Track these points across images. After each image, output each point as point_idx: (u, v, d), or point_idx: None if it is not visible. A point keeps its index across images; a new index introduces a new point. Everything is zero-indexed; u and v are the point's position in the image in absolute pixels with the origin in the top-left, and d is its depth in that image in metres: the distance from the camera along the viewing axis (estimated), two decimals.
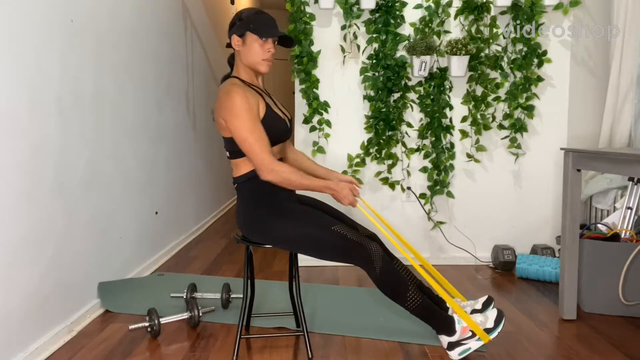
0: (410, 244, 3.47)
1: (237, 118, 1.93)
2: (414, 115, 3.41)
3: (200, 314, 2.41)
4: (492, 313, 2.09)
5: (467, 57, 3.23)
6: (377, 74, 3.32)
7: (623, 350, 2.20)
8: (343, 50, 3.36)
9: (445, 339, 2.07)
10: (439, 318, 2.07)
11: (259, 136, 1.95)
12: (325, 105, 3.36)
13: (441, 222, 3.46)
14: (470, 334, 2.04)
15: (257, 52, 2.05)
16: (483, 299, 2.27)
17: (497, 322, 2.06)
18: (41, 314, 2.17)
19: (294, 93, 3.43)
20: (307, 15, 3.28)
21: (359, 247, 1.99)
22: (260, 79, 2.16)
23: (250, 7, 2.11)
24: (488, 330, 2.04)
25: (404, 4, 3.28)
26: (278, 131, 2.06)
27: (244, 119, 1.93)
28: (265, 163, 1.94)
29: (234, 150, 2.05)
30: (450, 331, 2.06)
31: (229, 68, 2.19)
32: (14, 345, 1.99)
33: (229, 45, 2.10)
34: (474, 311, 2.24)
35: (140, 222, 3.24)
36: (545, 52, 3.30)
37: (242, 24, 2.04)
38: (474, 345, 2.05)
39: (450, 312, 2.25)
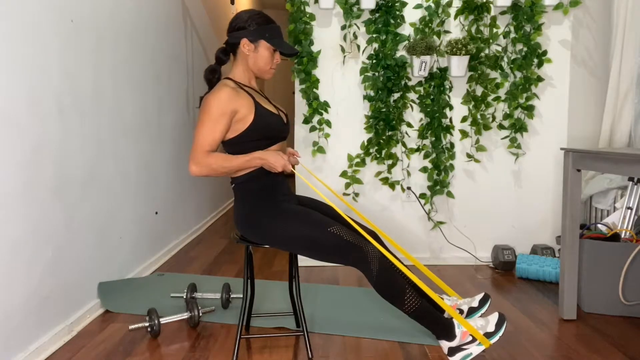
0: (411, 244, 3.48)
1: (206, 115, 1.96)
2: (414, 115, 3.41)
3: (200, 314, 2.41)
4: (493, 317, 2.06)
5: (467, 57, 3.23)
6: (377, 74, 3.32)
7: (623, 350, 2.20)
8: (343, 50, 3.36)
9: (445, 344, 2.05)
10: (438, 322, 2.05)
11: (207, 134, 1.95)
12: (325, 105, 3.36)
13: (441, 222, 3.46)
14: (470, 338, 2.02)
15: (267, 61, 2.09)
16: (479, 296, 2.26)
17: (499, 326, 2.03)
18: (41, 314, 2.17)
19: (294, 93, 3.43)
20: (307, 15, 3.28)
21: (355, 248, 1.99)
22: (254, 81, 2.17)
23: (257, 12, 2.10)
24: (489, 335, 2.01)
25: (404, 4, 3.28)
26: (272, 126, 2.06)
27: (210, 118, 1.95)
28: (194, 155, 1.95)
29: (233, 151, 2.06)
30: (450, 336, 2.04)
31: (227, 67, 2.19)
32: (14, 345, 1.99)
33: (230, 45, 2.10)
34: (471, 309, 2.23)
35: (140, 222, 3.24)
36: (545, 52, 3.30)
37: (257, 30, 2.05)
38: (475, 350, 2.01)
39: (447, 314, 2.25)
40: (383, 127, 3.34)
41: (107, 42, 2.79)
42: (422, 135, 3.37)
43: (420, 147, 3.40)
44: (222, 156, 1.98)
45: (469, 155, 3.41)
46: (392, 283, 2.00)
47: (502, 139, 3.43)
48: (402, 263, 2.22)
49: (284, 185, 2.12)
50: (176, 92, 3.97)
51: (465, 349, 2.02)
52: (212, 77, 2.12)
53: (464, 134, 3.37)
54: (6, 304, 1.95)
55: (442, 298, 2.28)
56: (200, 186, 4.65)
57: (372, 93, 3.36)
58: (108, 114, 2.79)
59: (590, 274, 2.57)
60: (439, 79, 3.32)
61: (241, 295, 2.60)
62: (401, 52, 3.34)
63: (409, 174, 3.44)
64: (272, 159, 1.99)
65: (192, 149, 1.96)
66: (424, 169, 3.41)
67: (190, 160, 1.96)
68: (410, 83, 3.37)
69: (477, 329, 2.03)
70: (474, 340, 2.01)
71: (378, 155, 3.38)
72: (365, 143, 3.38)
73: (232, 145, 2.05)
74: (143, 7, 3.31)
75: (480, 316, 2.21)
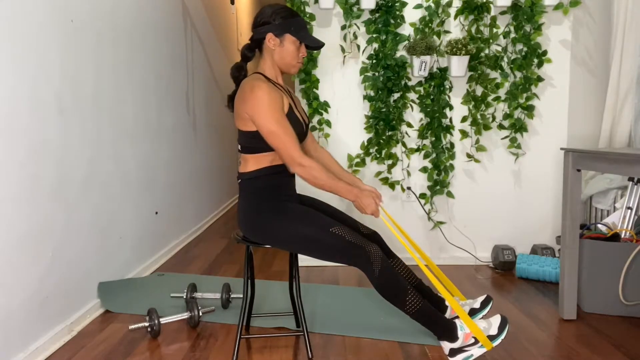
0: None
1: (265, 112, 1.94)
2: (414, 115, 3.41)
3: (200, 314, 2.42)
4: (495, 319, 2.06)
5: (467, 57, 3.23)
6: (377, 74, 3.32)
7: (623, 350, 2.20)
8: (343, 50, 3.36)
9: (447, 345, 2.04)
10: (440, 324, 2.04)
11: (287, 130, 1.95)
12: (325, 105, 3.36)
13: (441, 222, 3.46)
14: (472, 340, 2.01)
15: (293, 55, 2.07)
16: (481, 298, 2.26)
17: (501, 329, 2.02)
18: (41, 314, 2.17)
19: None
20: (307, 15, 3.28)
21: (357, 248, 1.98)
22: (281, 77, 2.15)
23: (282, 5, 2.08)
24: (491, 337, 2.01)
25: (404, 4, 3.28)
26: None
27: (271, 113, 1.94)
28: (294, 158, 1.95)
29: (248, 145, 2.03)
30: (452, 337, 2.03)
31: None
32: (14, 345, 1.99)
33: (255, 41, 2.08)
34: (472, 310, 2.23)
35: (140, 222, 3.24)
36: (545, 52, 3.30)
37: (282, 24, 2.02)
38: (476, 352, 2.01)
39: (448, 313, 2.25)
40: (383, 127, 3.34)
41: (107, 42, 2.79)
42: (422, 135, 3.37)
43: (420, 147, 3.40)
44: (324, 169, 1.99)
45: (469, 155, 3.41)
46: (393, 283, 1.99)
47: (502, 139, 3.43)
48: (402, 264, 2.23)
49: (290, 185, 2.11)
50: (176, 92, 3.97)
51: (466, 350, 2.01)
52: (239, 75, 2.11)
53: (464, 134, 3.38)
54: (6, 304, 1.95)
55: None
56: (201, 186, 4.66)
57: (372, 93, 3.36)
58: (108, 114, 2.79)
59: (590, 274, 2.57)
60: (439, 79, 3.32)
61: (241, 295, 2.61)
62: (401, 52, 3.34)
63: (409, 174, 3.44)
64: (366, 201, 2.01)
65: (285, 150, 1.95)
66: (424, 169, 3.41)
67: (290, 162, 1.95)
68: (410, 83, 3.37)
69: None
70: (476, 342, 2.01)
71: (378, 155, 3.38)
72: (365, 143, 3.38)
73: (248, 139, 2.02)
74: (143, 7, 3.31)
75: (482, 318, 2.21)
